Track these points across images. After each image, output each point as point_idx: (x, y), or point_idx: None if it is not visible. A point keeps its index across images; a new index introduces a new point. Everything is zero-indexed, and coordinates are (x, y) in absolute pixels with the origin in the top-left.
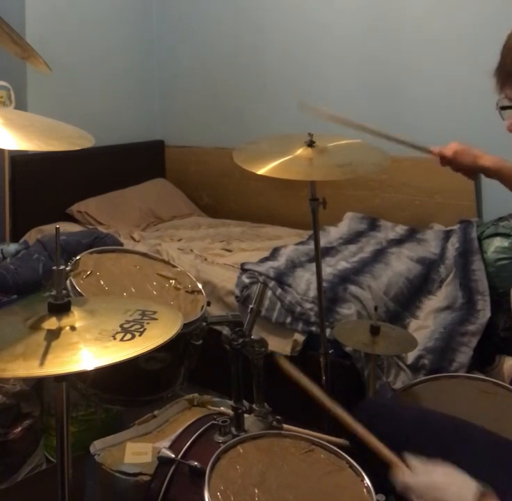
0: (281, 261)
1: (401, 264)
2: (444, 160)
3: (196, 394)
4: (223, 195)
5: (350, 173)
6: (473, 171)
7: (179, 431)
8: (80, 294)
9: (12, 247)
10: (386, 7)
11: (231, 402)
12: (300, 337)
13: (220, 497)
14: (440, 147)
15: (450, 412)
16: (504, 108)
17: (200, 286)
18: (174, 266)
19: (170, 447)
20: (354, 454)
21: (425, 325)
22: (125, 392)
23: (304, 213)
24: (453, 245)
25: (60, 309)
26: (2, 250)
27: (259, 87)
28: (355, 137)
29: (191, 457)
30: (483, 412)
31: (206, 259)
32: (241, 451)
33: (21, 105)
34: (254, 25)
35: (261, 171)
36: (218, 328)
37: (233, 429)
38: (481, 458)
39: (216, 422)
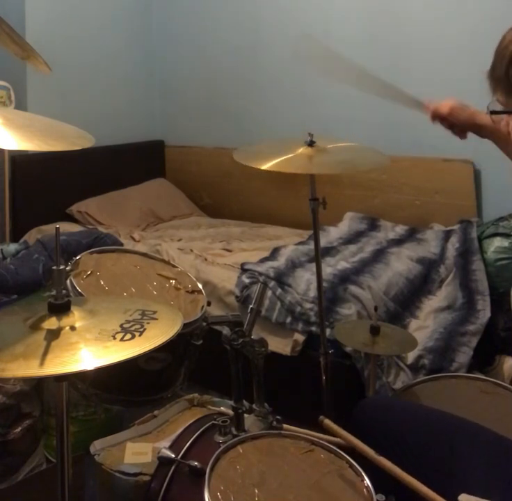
0: (281, 261)
1: (401, 264)
2: (438, 116)
3: (196, 394)
4: (223, 195)
5: (350, 169)
6: (467, 128)
7: (179, 431)
8: (80, 294)
9: (12, 247)
10: (387, 11)
11: (231, 402)
12: (300, 337)
13: (220, 497)
14: (435, 103)
15: (450, 412)
16: (493, 112)
17: (200, 286)
18: (174, 266)
19: (170, 447)
20: None
21: (425, 325)
22: (125, 392)
23: (304, 213)
24: (453, 245)
25: (60, 309)
26: (2, 250)
27: (259, 87)
28: (355, 140)
29: (191, 457)
30: (483, 412)
31: (206, 259)
32: (241, 451)
33: (21, 105)
34: (254, 25)
35: (261, 166)
36: (218, 328)
37: (233, 429)
38: (482, 457)
39: (216, 422)
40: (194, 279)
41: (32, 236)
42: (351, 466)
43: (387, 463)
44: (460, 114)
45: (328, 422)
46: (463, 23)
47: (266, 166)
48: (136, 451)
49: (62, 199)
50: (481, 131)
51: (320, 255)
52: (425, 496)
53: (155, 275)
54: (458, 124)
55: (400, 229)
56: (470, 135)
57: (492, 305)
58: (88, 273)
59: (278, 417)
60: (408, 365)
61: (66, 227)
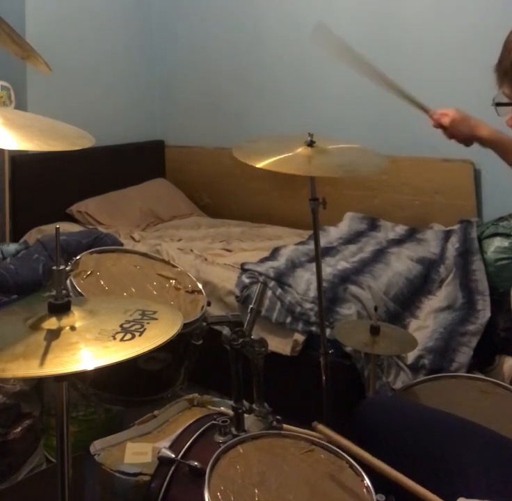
0: (281, 261)
1: (401, 264)
2: (440, 127)
3: (196, 394)
4: (223, 195)
5: (351, 172)
6: (468, 140)
7: (179, 431)
8: (80, 294)
9: (12, 247)
10: (387, 14)
11: (231, 402)
12: (300, 337)
13: (220, 497)
14: (439, 115)
15: (450, 412)
16: (499, 104)
17: (200, 286)
18: (174, 266)
19: (170, 447)
20: None
21: (425, 325)
22: (125, 392)
23: (304, 213)
24: (453, 245)
25: (60, 309)
26: (2, 250)
27: (259, 87)
28: (355, 142)
29: (191, 457)
30: (483, 412)
31: (206, 259)
32: (241, 451)
33: (21, 105)
34: (254, 26)
35: (260, 164)
36: (218, 328)
37: (233, 429)
38: (482, 456)
39: (216, 422)
40: (194, 279)
41: (32, 236)
42: (351, 466)
43: (383, 465)
44: (460, 128)
45: (321, 427)
46: (463, 23)
47: (263, 164)
48: (136, 451)
49: (62, 199)
50: (482, 142)
51: (320, 255)
52: (423, 497)
53: (155, 275)
54: (458, 137)
55: (400, 229)
56: None
57: (492, 305)
58: (88, 273)
59: (278, 417)
60: (407, 365)
61: (66, 227)
